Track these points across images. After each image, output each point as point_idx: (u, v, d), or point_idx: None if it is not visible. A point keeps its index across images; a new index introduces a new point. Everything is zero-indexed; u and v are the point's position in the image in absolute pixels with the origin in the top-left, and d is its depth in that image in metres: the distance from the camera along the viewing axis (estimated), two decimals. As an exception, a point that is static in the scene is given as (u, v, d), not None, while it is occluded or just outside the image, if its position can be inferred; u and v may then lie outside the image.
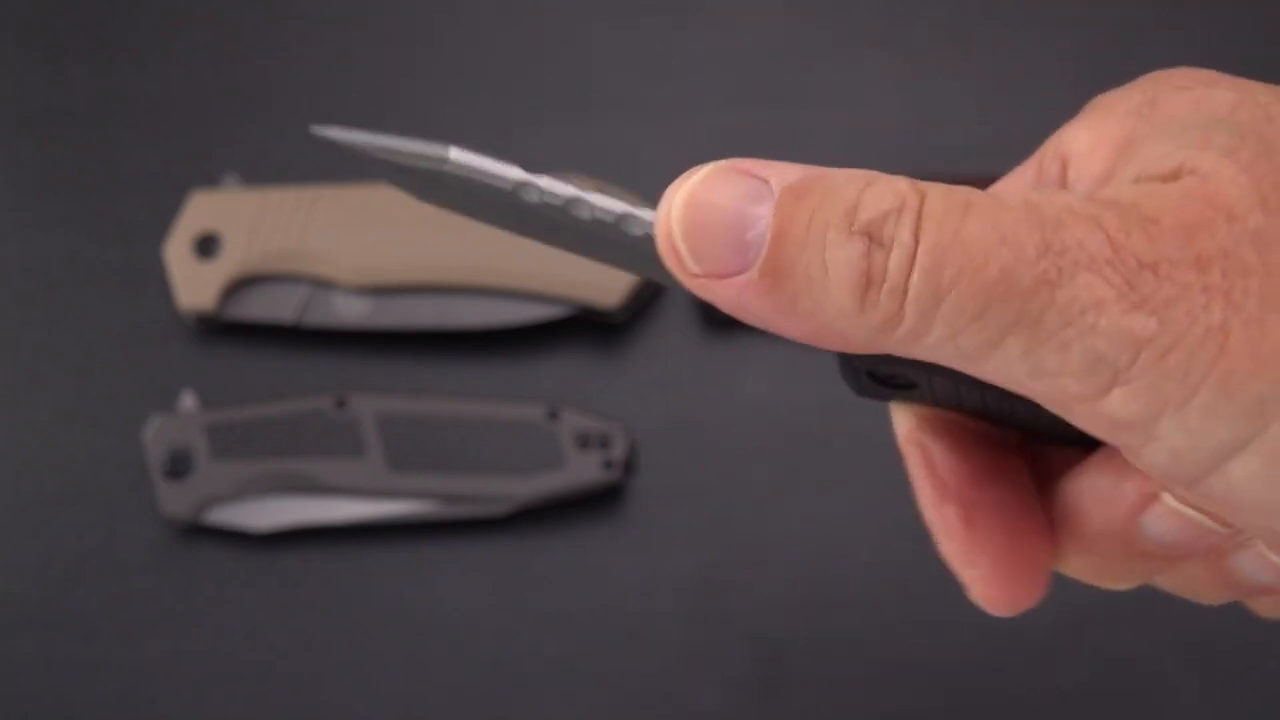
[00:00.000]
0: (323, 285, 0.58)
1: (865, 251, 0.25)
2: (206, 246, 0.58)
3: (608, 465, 0.55)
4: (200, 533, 0.56)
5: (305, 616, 0.55)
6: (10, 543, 0.57)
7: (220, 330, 0.59)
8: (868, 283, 0.25)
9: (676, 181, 0.27)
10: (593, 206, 0.28)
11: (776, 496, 0.56)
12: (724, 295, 0.26)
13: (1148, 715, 0.53)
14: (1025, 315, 0.24)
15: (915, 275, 0.24)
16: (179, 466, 0.55)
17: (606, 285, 0.57)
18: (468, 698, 0.54)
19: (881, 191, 0.25)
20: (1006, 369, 0.25)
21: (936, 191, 0.25)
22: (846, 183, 0.25)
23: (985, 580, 0.29)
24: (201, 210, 0.59)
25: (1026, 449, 0.31)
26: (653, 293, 0.59)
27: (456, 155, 0.28)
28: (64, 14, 0.65)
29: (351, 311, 0.58)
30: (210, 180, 0.61)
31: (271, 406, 0.56)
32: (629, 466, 0.56)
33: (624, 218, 0.28)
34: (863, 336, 0.25)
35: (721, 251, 0.26)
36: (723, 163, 0.27)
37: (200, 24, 0.64)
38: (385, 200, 0.58)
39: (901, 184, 0.25)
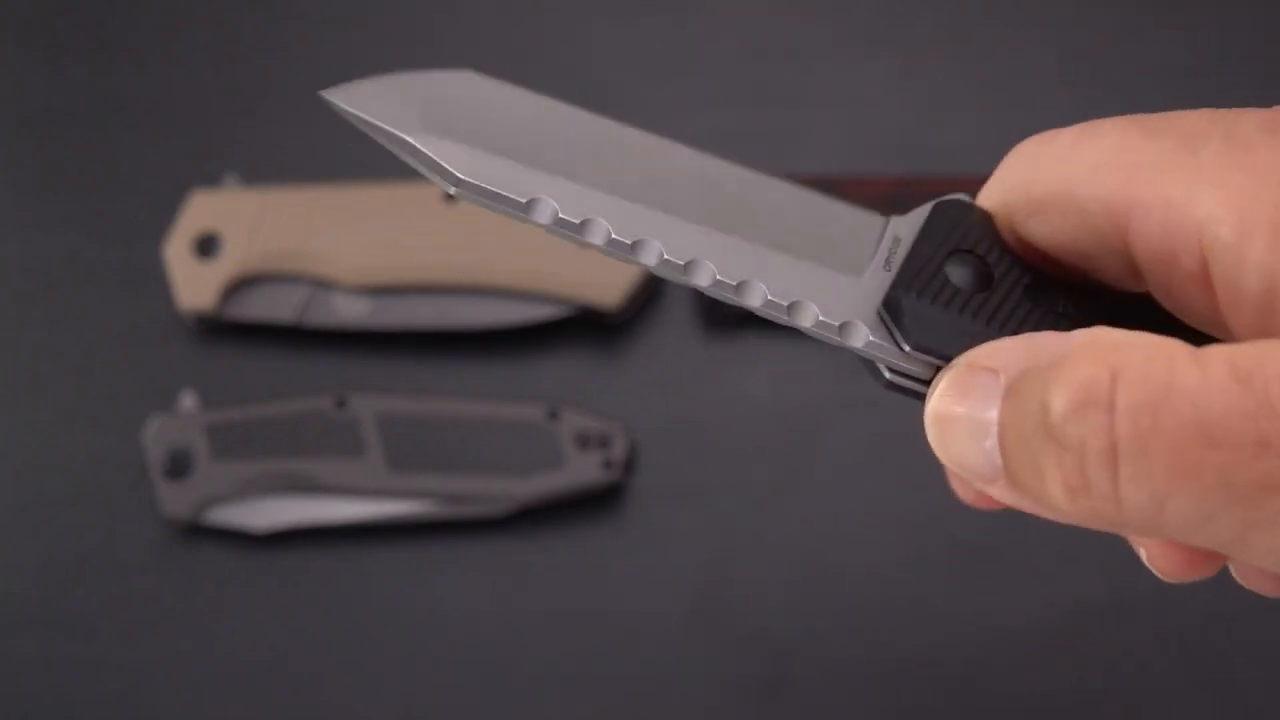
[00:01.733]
0: (323, 285, 0.58)
1: (1058, 459, 0.23)
2: (206, 246, 0.58)
3: (608, 465, 0.55)
4: (200, 533, 0.56)
5: (305, 616, 0.55)
6: (10, 543, 0.57)
7: (220, 330, 0.59)
8: (1074, 489, 0.23)
9: (937, 378, 0.26)
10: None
11: (776, 496, 0.56)
12: (1001, 498, 0.25)
13: (1149, 715, 0.53)
14: (1248, 519, 0.22)
15: (1123, 482, 0.22)
16: (179, 466, 0.55)
17: (606, 285, 0.57)
18: (468, 698, 0.54)
19: (1061, 386, 0.22)
20: (1221, 541, 0.23)
21: (1129, 372, 0.22)
22: (1038, 374, 0.23)
23: (1164, 551, 0.28)
24: (201, 210, 0.59)
25: None
26: (652, 293, 0.59)
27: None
28: (64, 14, 0.65)
29: (351, 311, 0.58)
30: (210, 180, 0.61)
31: (271, 406, 0.56)
32: (629, 466, 0.56)
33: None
34: (1097, 527, 0.24)
35: (975, 464, 0.25)
36: (962, 363, 0.25)
37: (200, 24, 0.64)
38: (385, 200, 0.58)
39: (1087, 369, 0.22)
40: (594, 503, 0.56)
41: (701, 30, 0.64)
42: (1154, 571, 0.29)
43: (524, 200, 0.27)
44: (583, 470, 0.55)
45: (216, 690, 0.55)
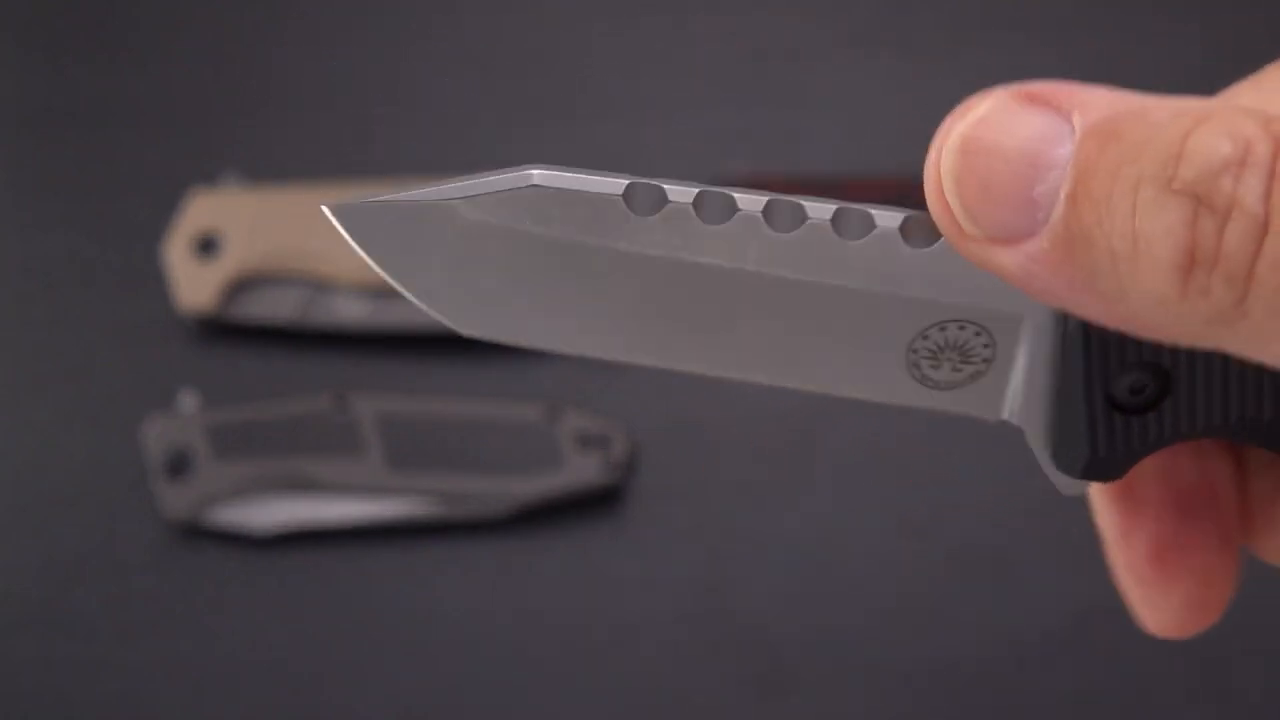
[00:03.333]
0: (323, 285, 0.58)
1: (1190, 218, 0.18)
2: (206, 246, 0.58)
3: (608, 465, 0.55)
4: (200, 533, 0.56)
5: (305, 616, 0.55)
6: (10, 543, 0.57)
7: (220, 330, 0.59)
8: (1192, 262, 0.18)
9: (956, 111, 0.21)
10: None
11: (776, 497, 0.56)
12: (1005, 264, 0.20)
13: (1149, 716, 0.53)
14: None
15: (1264, 259, 0.18)
16: (179, 466, 0.55)
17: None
18: (467, 697, 0.54)
19: (1215, 134, 0.18)
20: None
21: None
22: (1170, 121, 0.19)
23: (1161, 617, 0.27)
24: (201, 210, 0.59)
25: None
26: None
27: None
28: (64, 14, 0.65)
29: (351, 312, 0.58)
30: (210, 180, 0.61)
31: (271, 406, 0.56)
32: (629, 467, 0.56)
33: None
34: (1184, 330, 0.19)
35: (1004, 209, 0.20)
36: (1014, 89, 0.20)
37: (200, 24, 0.64)
38: (385, 200, 0.58)
39: (1247, 123, 0.18)
40: (594, 503, 0.56)
41: (701, 30, 0.64)
42: (1148, 626, 0.27)
43: (541, 347, 0.25)
44: (583, 470, 0.55)
45: (216, 690, 0.55)
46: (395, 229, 0.23)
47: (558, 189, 0.22)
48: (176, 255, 0.58)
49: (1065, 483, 0.24)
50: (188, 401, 0.57)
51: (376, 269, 0.23)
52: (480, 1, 0.65)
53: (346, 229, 0.23)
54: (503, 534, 0.56)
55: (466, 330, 0.24)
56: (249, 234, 0.58)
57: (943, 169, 0.21)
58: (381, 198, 0.23)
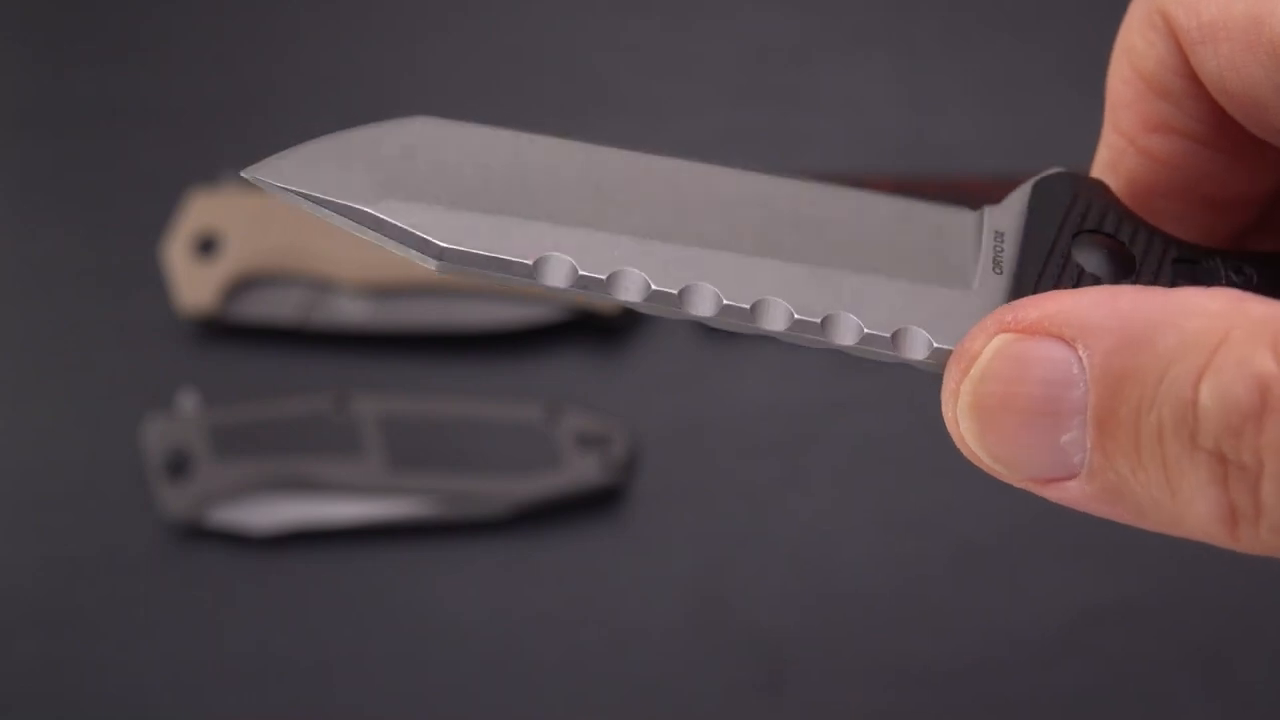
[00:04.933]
0: (323, 286, 0.58)
1: (1221, 478, 0.17)
2: (206, 246, 0.58)
3: (608, 466, 0.55)
4: (200, 533, 0.56)
5: (305, 617, 0.55)
6: (10, 543, 0.57)
7: (220, 330, 0.59)
8: (1235, 518, 0.18)
9: (958, 362, 0.20)
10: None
11: (776, 497, 0.56)
12: (1055, 499, 0.20)
13: (1150, 716, 0.53)
14: None
15: None
16: (179, 466, 0.55)
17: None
18: (467, 697, 0.54)
19: (1230, 381, 0.17)
20: None
21: None
22: (1180, 355, 0.17)
23: None
24: (201, 210, 0.59)
25: None
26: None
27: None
28: (64, 14, 0.65)
29: (352, 312, 0.58)
30: (210, 180, 0.61)
31: (271, 406, 0.56)
32: (629, 467, 0.56)
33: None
34: (1241, 549, 0.18)
35: (1035, 461, 0.19)
36: (1009, 323, 0.19)
37: (200, 24, 0.64)
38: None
39: (1260, 359, 0.17)
40: (594, 502, 0.56)
41: (701, 30, 0.64)
42: None
43: (530, 261, 0.21)
44: (582, 470, 0.55)
45: (216, 690, 0.55)
46: (326, 165, 0.22)
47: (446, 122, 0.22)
48: (176, 255, 0.58)
49: None
50: (188, 401, 0.57)
51: (336, 207, 0.22)
52: (480, 2, 0.65)
53: (284, 182, 0.22)
54: (503, 534, 0.56)
55: (445, 241, 0.22)
56: (249, 234, 0.58)
57: (964, 431, 0.20)
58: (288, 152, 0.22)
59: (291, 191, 0.23)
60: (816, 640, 0.54)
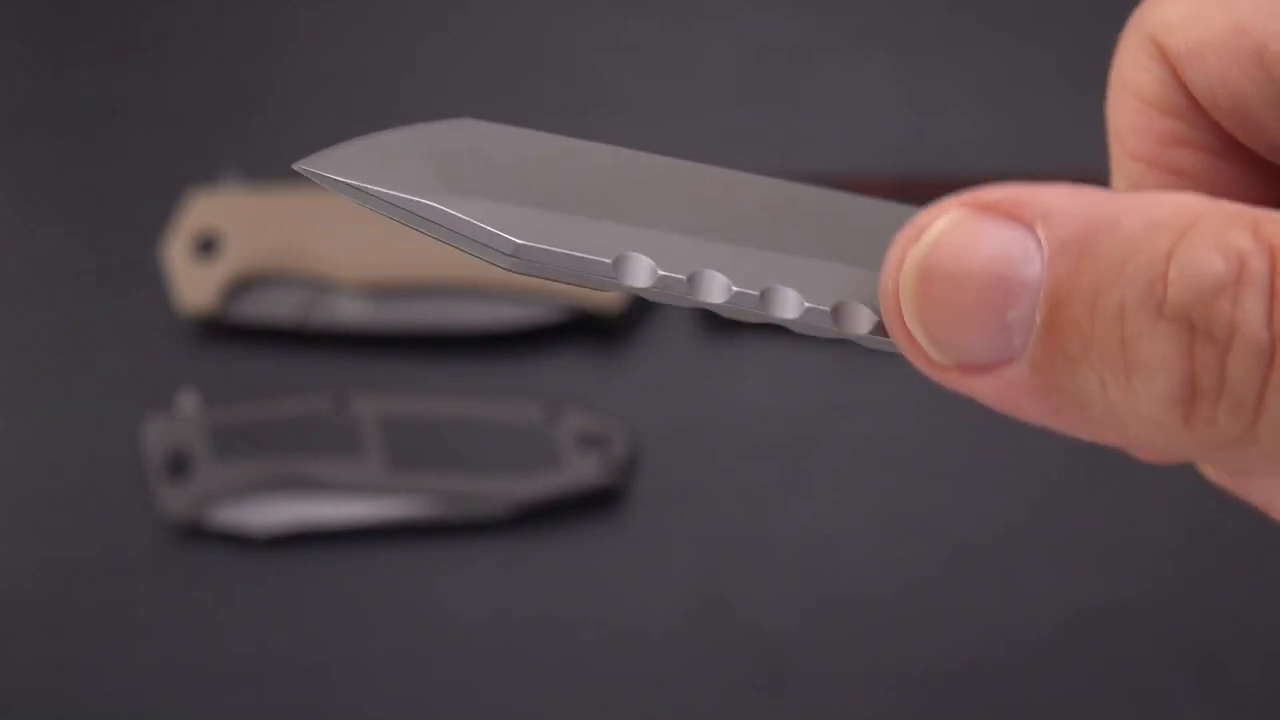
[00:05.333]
0: (323, 285, 0.58)
1: (1187, 347, 0.17)
2: (206, 246, 0.58)
3: (607, 466, 0.55)
4: (200, 533, 0.56)
5: (305, 616, 0.55)
6: (10, 543, 0.57)
7: (220, 330, 0.59)
8: (1194, 393, 0.17)
9: (907, 231, 0.19)
10: (796, 302, 0.21)
11: (777, 497, 0.56)
12: (981, 392, 0.19)
13: (1149, 716, 0.53)
14: None
15: (1273, 386, 0.17)
16: (179, 466, 0.55)
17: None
18: (467, 697, 0.54)
19: (1204, 250, 0.17)
20: None
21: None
22: (1148, 234, 0.17)
23: None
24: (201, 210, 0.59)
25: None
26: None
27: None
28: (64, 14, 0.65)
29: (351, 312, 0.58)
30: (210, 180, 0.61)
31: (271, 406, 0.56)
32: (629, 467, 0.56)
33: (840, 311, 0.21)
34: (1187, 454, 0.18)
35: (975, 339, 0.18)
36: (968, 200, 0.18)
37: (201, 24, 0.64)
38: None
39: (1237, 234, 0.17)
40: (594, 503, 0.56)
41: (701, 30, 0.64)
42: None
43: (609, 260, 0.21)
44: (582, 471, 0.55)
45: (216, 690, 0.55)
46: (383, 159, 0.21)
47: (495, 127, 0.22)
48: (176, 255, 0.58)
49: None
50: (188, 401, 0.57)
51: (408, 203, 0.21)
52: (480, 2, 0.65)
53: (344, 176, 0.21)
54: (503, 534, 0.56)
55: (517, 237, 0.21)
56: (249, 234, 0.58)
57: (902, 299, 0.19)
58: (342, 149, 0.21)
59: (350, 185, 0.21)
60: (816, 641, 0.54)
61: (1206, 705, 0.53)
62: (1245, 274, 0.16)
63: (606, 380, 0.58)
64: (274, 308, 0.58)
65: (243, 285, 0.58)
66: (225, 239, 0.58)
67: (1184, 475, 0.56)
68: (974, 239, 0.18)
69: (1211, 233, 0.17)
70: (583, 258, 0.21)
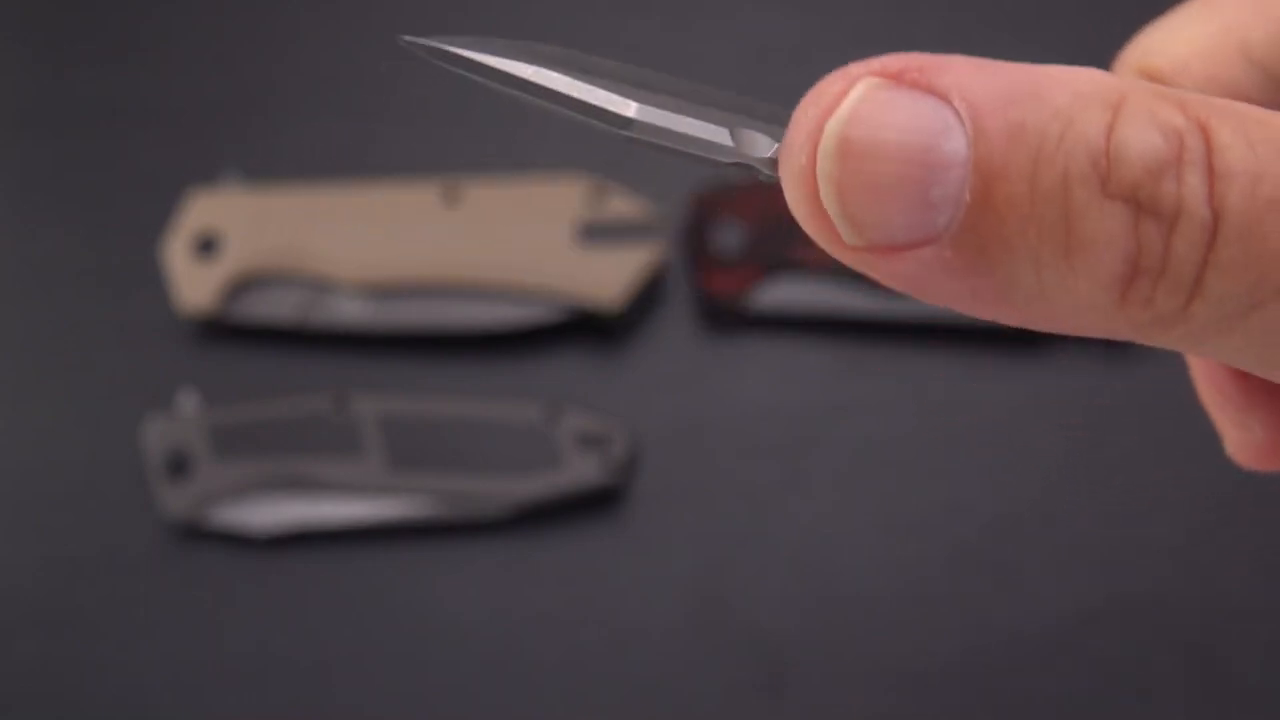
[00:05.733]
0: (323, 285, 0.58)
1: (1131, 225, 0.16)
2: (206, 246, 0.58)
3: (608, 466, 0.55)
4: (200, 533, 0.56)
5: (305, 617, 0.55)
6: (10, 543, 0.57)
7: (220, 330, 0.59)
8: (1135, 271, 0.17)
9: (812, 98, 0.18)
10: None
11: (777, 497, 0.56)
12: (895, 273, 0.18)
13: (1149, 717, 0.53)
14: None
15: (1213, 265, 0.16)
16: (179, 466, 0.55)
17: (606, 285, 0.57)
18: (467, 697, 0.54)
19: (1143, 128, 0.16)
20: None
21: (1227, 124, 0.16)
22: (1081, 107, 0.17)
23: (1246, 441, 0.24)
24: (201, 210, 0.59)
25: None
26: (653, 293, 0.59)
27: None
28: (64, 14, 0.65)
29: (351, 312, 0.58)
30: (210, 180, 0.61)
31: (271, 406, 0.56)
32: (629, 467, 0.56)
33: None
34: (1114, 332, 0.18)
35: (895, 217, 0.17)
36: (874, 68, 0.18)
37: (200, 24, 0.64)
38: (385, 200, 0.58)
39: (1169, 111, 0.16)
40: (594, 503, 0.56)
41: (701, 30, 0.64)
42: (1237, 458, 0.24)
43: (724, 130, 0.21)
44: (582, 471, 0.55)
45: (216, 690, 0.55)
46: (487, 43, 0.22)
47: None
48: (176, 255, 0.58)
49: None
50: (188, 401, 0.57)
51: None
52: (481, 2, 0.65)
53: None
54: (503, 534, 0.56)
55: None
56: (249, 234, 0.58)
57: (820, 171, 0.18)
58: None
59: (476, 60, 0.21)
60: (816, 641, 0.54)
61: (1206, 705, 0.53)
62: (1185, 151, 0.16)
63: (606, 380, 0.58)
64: (274, 308, 0.58)
65: (243, 285, 0.58)
66: (225, 239, 0.58)
67: (1184, 475, 0.56)
68: (888, 111, 0.17)
69: (1146, 109, 0.16)
70: (697, 127, 0.21)
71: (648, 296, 0.59)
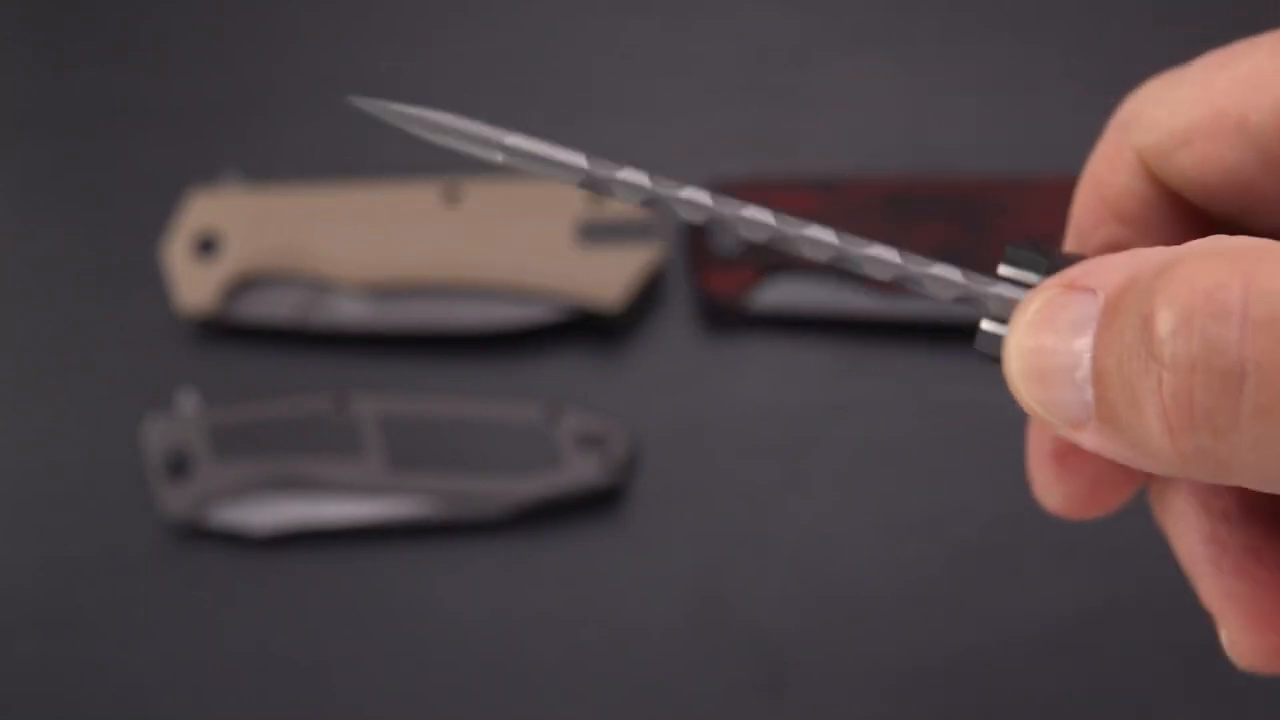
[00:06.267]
0: (323, 285, 0.58)
1: (1158, 384, 0.18)
2: (206, 246, 0.58)
3: (608, 466, 0.55)
4: (200, 533, 0.56)
5: (305, 616, 0.55)
6: (10, 543, 0.57)
7: (220, 330, 0.59)
8: (1176, 421, 0.19)
9: (1019, 306, 0.21)
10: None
11: (777, 497, 0.56)
12: (1090, 444, 0.21)
13: (1149, 717, 0.53)
14: None
15: (1247, 413, 0.18)
16: (179, 466, 0.55)
17: (606, 285, 0.57)
18: (467, 697, 0.54)
19: (1178, 290, 0.18)
20: None
21: (1266, 280, 0.18)
22: (1145, 284, 0.19)
23: (1050, 501, 0.27)
24: (201, 210, 0.59)
25: None
26: (653, 293, 0.59)
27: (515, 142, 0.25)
28: (64, 14, 0.65)
29: (351, 312, 0.58)
30: (210, 180, 0.61)
31: (271, 406, 0.56)
32: (629, 467, 0.56)
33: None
34: (1201, 478, 0.19)
35: (1064, 403, 0.20)
36: (1060, 279, 0.21)
37: (200, 24, 0.64)
38: (385, 200, 0.58)
39: (1210, 274, 0.18)
40: (594, 503, 0.56)
41: (701, 30, 0.64)
42: (1236, 660, 0.25)
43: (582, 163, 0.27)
44: (582, 471, 0.55)
45: (216, 690, 0.55)
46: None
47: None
48: (176, 255, 0.58)
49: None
50: (188, 401, 0.57)
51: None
52: (480, 2, 0.65)
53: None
54: (503, 534, 0.56)
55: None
56: (249, 234, 0.58)
57: (1011, 370, 0.22)
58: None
59: (391, 110, 0.26)
60: (816, 641, 0.54)
61: (1206, 705, 0.53)
62: (1214, 304, 0.18)
63: (606, 380, 0.58)
64: (274, 308, 0.58)
65: (243, 285, 0.58)
66: (225, 239, 0.58)
67: (1184, 475, 0.56)
68: (1055, 315, 0.20)
69: (1192, 267, 0.18)
70: (560, 157, 0.26)
71: (648, 296, 0.59)
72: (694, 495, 0.57)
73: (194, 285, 0.58)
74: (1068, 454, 0.27)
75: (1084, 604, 0.54)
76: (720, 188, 0.59)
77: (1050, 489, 0.28)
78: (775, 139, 0.61)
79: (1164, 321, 0.18)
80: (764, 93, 0.62)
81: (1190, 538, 0.26)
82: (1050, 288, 0.21)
